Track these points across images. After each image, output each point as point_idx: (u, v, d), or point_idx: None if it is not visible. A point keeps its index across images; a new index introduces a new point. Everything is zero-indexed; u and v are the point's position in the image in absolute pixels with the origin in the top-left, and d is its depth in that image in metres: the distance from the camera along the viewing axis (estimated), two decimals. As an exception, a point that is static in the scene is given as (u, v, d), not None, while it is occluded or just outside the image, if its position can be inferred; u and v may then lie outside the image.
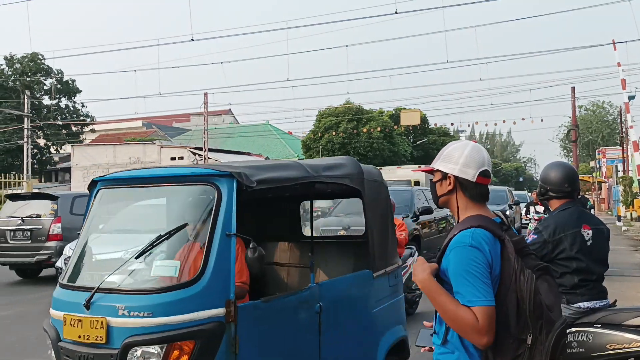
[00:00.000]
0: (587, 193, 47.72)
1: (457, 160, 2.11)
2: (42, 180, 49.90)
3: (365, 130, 39.44)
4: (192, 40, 22.27)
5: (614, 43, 23.55)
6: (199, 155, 39.19)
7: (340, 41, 71.84)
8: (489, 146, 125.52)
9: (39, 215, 11.99)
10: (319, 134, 41.16)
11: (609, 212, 39.76)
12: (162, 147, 42.33)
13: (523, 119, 37.12)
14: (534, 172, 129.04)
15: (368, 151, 39.66)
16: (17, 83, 44.47)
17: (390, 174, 20.41)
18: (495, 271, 1.95)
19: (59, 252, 10.96)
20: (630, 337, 3.37)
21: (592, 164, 56.63)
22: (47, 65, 45.92)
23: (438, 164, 2.20)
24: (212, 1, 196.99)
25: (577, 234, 3.67)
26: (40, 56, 45.31)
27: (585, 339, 3.48)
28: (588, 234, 3.73)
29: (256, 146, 50.03)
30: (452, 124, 56.40)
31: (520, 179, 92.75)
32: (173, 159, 41.63)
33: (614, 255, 15.19)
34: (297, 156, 46.84)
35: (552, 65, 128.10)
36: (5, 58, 45.57)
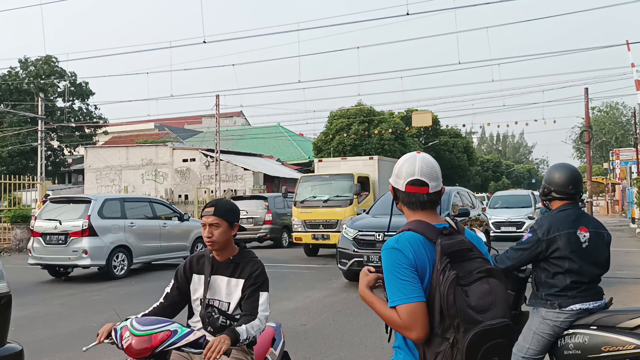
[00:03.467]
0: (600, 195, 47.35)
1: (394, 171, 2.32)
2: (56, 182, 50.31)
3: (376, 131, 39.38)
4: (204, 42, 22.32)
5: (627, 44, 23.38)
6: (211, 157, 39.32)
7: (351, 43, 72.00)
8: (500, 148, 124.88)
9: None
10: (330, 136, 41.15)
11: (623, 214, 39.40)
12: (174, 149, 42.52)
13: (535, 121, 36.79)
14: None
15: (379, 153, 39.57)
16: (31, 86, 44.87)
17: (334, 167, 17.79)
18: (425, 272, 2.08)
19: None
20: (625, 339, 3.39)
21: (605, 165, 56.16)
22: (61, 68, 46.32)
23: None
24: (224, 4, 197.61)
25: (572, 234, 3.69)
26: (54, 59, 45.72)
27: (581, 341, 3.52)
28: (585, 236, 3.72)
29: (267, 148, 50.13)
30: (463, 125, 56.32)
31: (533, 181, 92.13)
32: (185, 160, 41.81)
33: (629, 257, 15.10)
34: (308, 158, 46.89)
35: (565, 66, 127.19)
36: (20, 61, 46.02)
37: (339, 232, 13.07)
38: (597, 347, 3.44)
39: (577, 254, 3.65)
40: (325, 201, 16.04)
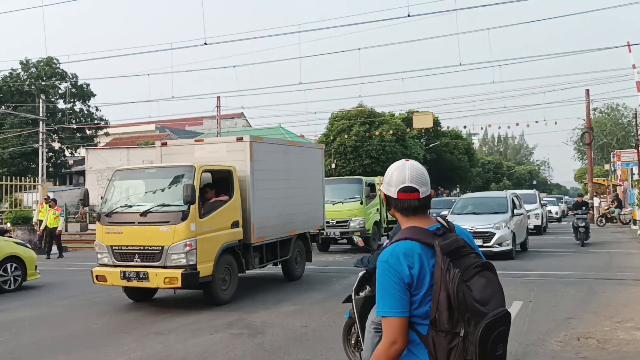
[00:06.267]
0: (602, 196, 47.28)
1: (385, 179, 2.44)
2: (57, 183, 50.31)
3: (377, 133, 39.36)
4: (205, 44, 22.24)
5: (628, 45, 23.35)
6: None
7: (352, 44, 71.90)
8: (501, 149, 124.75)
9: None
10: (332, 137, 41.13)
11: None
12: (175, 150, 42.38)
13: (537, 122, 36.69)
14: (548, 175, 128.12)
15: (380, 154, 39.57)
16: (33, 87, 44.90)
17: (183, 155, 10.90)
18: (424, 277, 2.19)
19: None
20: None
21: (606, 166, 56.05)
22: (62, 70, 46.33)
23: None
24: (225, 5, 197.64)
25: (440, 219, 4.42)
26: (55, 60, 45.75)
27: None
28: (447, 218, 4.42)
29: (268, 149, 50.01)
30: (465, 126, 56.21)
31: (534, 182, 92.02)
32: (186, 162, 41.65)
33: (630, 259, 15.07)
34: (310, 159, 46.86)
35: (566, 67, 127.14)
36: (21, 62, 46.05)
37: (166, 267, 8.88)
38: None
39: None
40: (143, 214, 9.23)
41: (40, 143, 31.91)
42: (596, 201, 35.95)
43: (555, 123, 49.98)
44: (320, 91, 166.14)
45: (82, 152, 49.52)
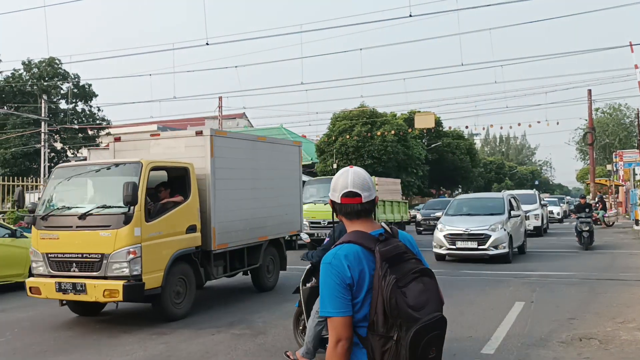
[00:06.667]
0: (604, 196, 47.21)
1: (331, 186, 2.53)
2: (59, 183, 50.21)
3: (379, 133, 39.33)
4: (207, 44, 22.32)
5: (631, 45, 23.29)
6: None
7: (354, 44, 71.90)
8: (503, 149, 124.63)
9: None
10: (333, 138, 41.11)
11: (627, 216, 39.27)
12: (177, 150, 42.40)
13: (538, 122, 36.81)
14: (550, 176, 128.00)
15: (382, 154, 39.55)
16: (35, 87, 44.99)
17: (139, 150, 9.84)
18: (364, 281, 2.27)
19: None
20: None
21: (608, 167, 55.98)
22: (64, 70, 46.34)
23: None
24: (227, 5, 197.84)
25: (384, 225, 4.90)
26: (57, 61, 45.76)
27: None
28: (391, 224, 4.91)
29: (270, 149, 50.04)
30: (466, 126, 56.23)
31: (536, 182, 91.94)
32: (188, 162, 41.66)
33: (632, 259, 15.04)
34: (311, 159, 46.87)
35: (568, 67, 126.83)
36: (23, 63, 46.09)
37: (107, 278, 7.82)
38: None
39: None
40: (82, 217, 8.15)
41: (43, 143, 31.96)
42: (606, 198, 35.85)
43: (557, 123, 50.01)
44: (322, 91, 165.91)
45: (84, 152, 49.52)
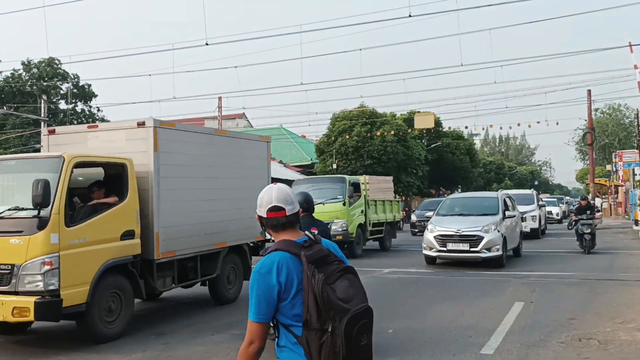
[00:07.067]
0: (603, 197, 47.21)
1: (257, 203, 2.78)
2: (59, 183, 50.22)
3: (379, 133, 39.32)
4: (207, 44, 22.23)
5: (630, 45, 23.30)
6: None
7: (354, 45, 71.85)
8: (503, 149, 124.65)
9: None
10: (333, 138, 41.09)
11: (626, 216, 39.28)
12: (176, 150, 42.39)
13: (538, 122, 36.67)
14: (550, 176, 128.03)
15: (382, 155, 39.53)
16: (34, 88, 45.00)
17: (75, 145, 8.59)
18: (292, 283, 2.53)
19: None
20: None
21: (608, 167, 56.00)
22: (64, 70, 46.34)
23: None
24: (226, 5, 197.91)
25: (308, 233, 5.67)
26: (57, 61, 45.77)
27: None
28: (315, 232, 6.01)
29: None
30: (466, 127, 56.19)
31: (536, 183, 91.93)
32: (187, 162, 41.67)
33: (632, 259, 15.04)
34: (311, 160, 46.88)
35: (567, 67, 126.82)
36: (23, 63, 46.10)
37: (18, 293, 6.69)
38: None
39: None
40: None
41: (42, 144, 31.91)
42: (598, 202, 35.87)
43: (557, 123, 49.93)
44: (322, 91, 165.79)
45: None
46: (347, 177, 17.73)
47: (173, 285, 8.74)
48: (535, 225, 22.51)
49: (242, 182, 10.17)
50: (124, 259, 7.60)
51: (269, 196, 2.75)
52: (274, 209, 2.71)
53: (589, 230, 16.49)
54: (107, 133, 8.63)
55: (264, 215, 2.73)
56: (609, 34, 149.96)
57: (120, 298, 7.58)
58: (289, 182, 40.13)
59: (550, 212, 32.63)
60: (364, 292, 2.57)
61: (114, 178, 7.85)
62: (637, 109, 43.66)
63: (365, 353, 2.52)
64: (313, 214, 6.55)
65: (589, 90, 36.16)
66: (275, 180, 24.64)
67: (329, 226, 16.30)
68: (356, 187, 17.19)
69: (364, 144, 39.84)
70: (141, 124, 8.29)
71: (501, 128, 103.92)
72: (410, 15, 18.68)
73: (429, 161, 48.09)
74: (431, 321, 8.15)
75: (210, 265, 9.41)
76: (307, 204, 6.35)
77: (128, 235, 7.68)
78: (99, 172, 8.02)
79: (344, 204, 16.31)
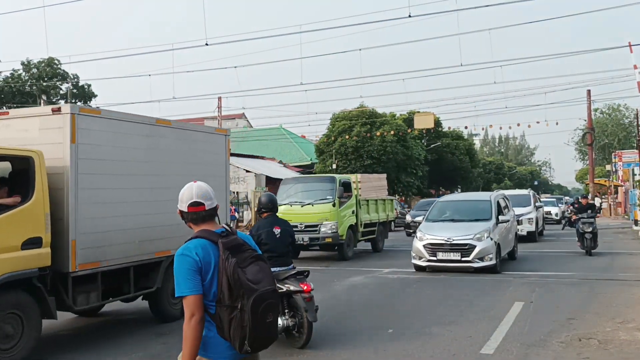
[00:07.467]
0: (603, 197, 47.21)
1: (179, 199, 3.12)
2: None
3: (378, 133, 39.33)
4: (206, 44, 22.29)
5: (630, 45, 23.34)
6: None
7: (353, 45, 71.79)
8: (503, 149, 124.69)
9: None
10: (333, 138, 41.10)
11: (626, 216, 39.29)
12: (176, 150, 42.36)
13: (538, 122, 36.71)
14: (549, 176, 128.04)
15: (381, 155, 39.54)
16: (34, 88, 44.98)
17: None
18: (209, 266, 2.89)
19: None
20: (279, 285, 6.49)
21: (608, 167, 56.02)
22: (63, 70, 46.33)
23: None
24: (226, 5, 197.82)
25: (270, 230, 6.98)
26: (56, 61, 45.74)
27: None
28: (278, 231, 7.01)
29: (270, 150, 50.08)
30: (466, 127, 56.21)
31: (535, 183, 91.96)
32: (187, 162, 41.65)
33: (632, 259, 15.05)
34: (310, 160, 46.87)
35: (567, 68, 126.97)
36: (22, 63, 46.08)
37: None
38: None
39: (272, 241, 6.92)
40: None
41: (42, 144, 31.83)
42: (597, 202, 35.88)
43: (557, 123, 49.86)
44: (322, 92, 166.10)
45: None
46: (337, 176, 17.06)
47: (98, 302, 7.39)
48: (532, 228, 21.35)
49: (192, 180, 8.51)
50: (26, 273, 6.26)
51: (189, 193, 3.10)
52: (194, 204, 3.06)
53: (590, 229, 15.86)
54: (19, 121, 7.30)
55: (185, 209, 3.08)
56: (608, 34, 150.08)
57: (22, 319, 6.24)
58: (288, 182, 39.93)
59: (549, 213, 32.45)
60: (273, 277, 2.99)
61: (22, 174, 6.59)
62: (637, 109, 43.68)
63: (270, 329, 2.92)
64: (277, 214, 7.37)
65: (589, 91, 36.28)
66: (273, 180, 24.33)
67: (318, 227, 15.69)
68: (347, 186, 16.55)
69: (363, 144, 39.85)
70: (56, 110, 7.05)
71: (501, 128, 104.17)
72: (410, 16, 18.73)
73: (429, 161, 48.09)
74: (431, 321, 8.15)
75: (149, 277, 8.05)
76: (271, 204, 7.26)
77: (32, 243, 6.36)
78: (5, 166, 6.79)
79: (334, 205, 15.65)
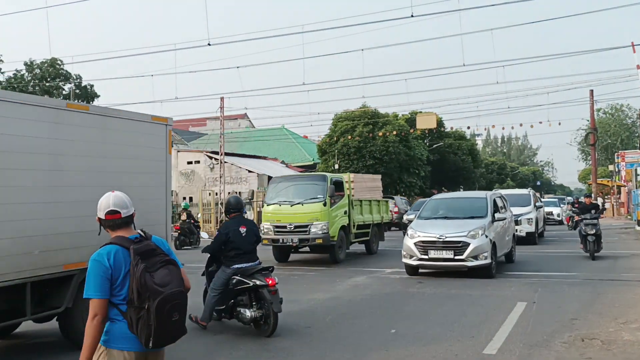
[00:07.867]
0: (605, 197, 47.13)
1: (97, 207, 3.38)
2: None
3: (381, 134, 39.32)
4: (209, 44, 22.42)
5: (633, 45, 23.31)
6: (215, 159, 39.35)
7: (356, 45, 71.93)
8: (505, 150, 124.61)
9: None
10: (335, 138, 41.11)
11: (629, 217, 39.22)
12: (178, 151, 42.57)
13: (540, 123, 36.94)
14: (552, 176, 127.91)
15: (384, 155, 39.53)
16: (37, 88, 45.05)
17: None
18: (120, 270, 3.17)
19: None
20: (246, 280, 7.43)
21: (610, 167, 55.94)
22: (66, 71, 46.41)
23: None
24: (229, 6, 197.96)
25: (237, 230, 7.63)
26: (59, 61, 45.81)
27: (234, 281, 7.52)
28: (244, 230, 7.66)
29: (272, 150, 50.12)
30: (468, 127, 56.15)
31: (538, 183, 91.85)
32: (189, 162, 41.86)
33: (634, 260, 15.01)
34: (312, 160, 46.87)
35: (570, 68, 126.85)
36: (25, 64, 46.15)
37: None
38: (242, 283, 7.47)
39: (238, 239, 7.58)
40: None
41: (44, 144, 31.89)
42: (599, 201, 35.80)
43: (559, 124, 50.04)
44: (324, 92, 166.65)
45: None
46: (328, 175, 16.37)
47: None
48: (532, 229, 20.13)
49: (119, 178, 7.14)
50: None
51: (106, 201, 3.36)
52: (111, 212, 3.33)
53: (593, 231, 15.08)
54: None
55: (103, 217, 3.35)
56: (611, 34, 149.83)
57: None
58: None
59: (550, 213, 32.23)
60: (181, 279, 3.27)
61: None
62: (640, 109, 43.58)
63: (177, 327, 3.23)
64: (244, 215, 8.09)
65: (592, 91, 36.16)
66: (277, 180, 23.54)
67: (308, 228, 14.90)
68: (339, 185, 15.83)
69: (366, 144, 39.85)
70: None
71: (503, 128, 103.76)
72: (412, 16, 18.76)
73: (431, 161, 48.06)
74: (434, 321, 8.14)
75: (56, 295, 6.52)
76: (237, 204, 7.92)
77: None
78: None
79: (324, 204, 14.92)
